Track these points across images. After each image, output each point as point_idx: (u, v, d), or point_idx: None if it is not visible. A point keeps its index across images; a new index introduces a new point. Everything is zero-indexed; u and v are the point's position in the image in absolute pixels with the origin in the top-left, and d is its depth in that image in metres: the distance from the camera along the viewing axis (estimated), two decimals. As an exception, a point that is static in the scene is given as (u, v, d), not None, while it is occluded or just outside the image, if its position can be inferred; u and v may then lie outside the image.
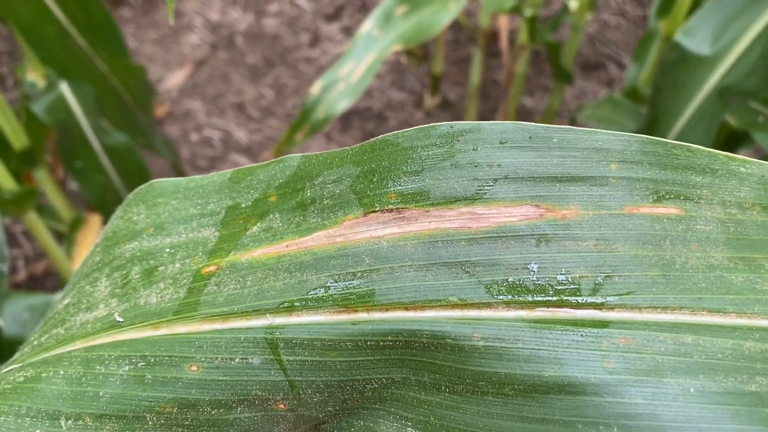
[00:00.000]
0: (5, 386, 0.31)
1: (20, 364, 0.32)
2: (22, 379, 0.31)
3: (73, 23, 0.99)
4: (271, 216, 0.31)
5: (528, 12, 1.15)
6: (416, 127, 0.30)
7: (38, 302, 0.83)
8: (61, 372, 0.30)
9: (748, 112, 0.85)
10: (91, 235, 1.22)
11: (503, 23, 1.66)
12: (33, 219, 1.01)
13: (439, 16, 0.93)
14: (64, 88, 1.04)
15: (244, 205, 0.32)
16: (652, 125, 0.86)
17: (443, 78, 1.96)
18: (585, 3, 1.25)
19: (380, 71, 2.03)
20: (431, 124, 0.30)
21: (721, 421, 0.24)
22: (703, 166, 0.28)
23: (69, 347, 0.31)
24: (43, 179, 1.14)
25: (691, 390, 0.24)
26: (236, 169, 0.33)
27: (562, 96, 1.42)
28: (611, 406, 0.25)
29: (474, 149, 0.29)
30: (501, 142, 0.28)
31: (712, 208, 0.27)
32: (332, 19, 2.13)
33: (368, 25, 0.95)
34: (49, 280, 1.59)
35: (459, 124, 0.29)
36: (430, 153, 0.29)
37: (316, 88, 0.94)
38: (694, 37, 0.80)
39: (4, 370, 0.32)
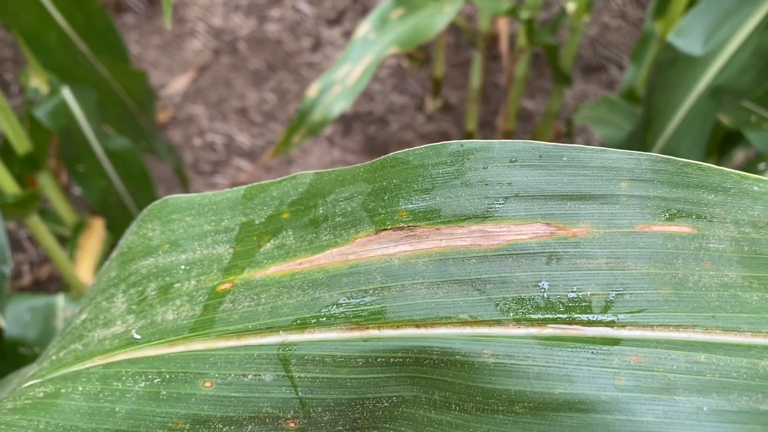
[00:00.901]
0: (25, 401, 0.31)
1: (40, 380, 0.33)
2: (41, 394, 0.31)
3: (74, 29, 1.01)
4: (285, 233, 0.32)
5: (524, 15, 1.16)
6: (427, 145, 0.30)
7: (40, 304, 0.84)
8: (80, 388, 0.31)
9: (741, 111, 0.86)
10: (94, 238, 1.23)
11: (503, 26, 1.67)
12: (35, 222, 1.02)
13: (434, 19, 0.94)
14: (66, 93, 1.05)
15: (257, 222, 0.32)
16: (647, 125, 0.86)
17: (444, 81, 1.97)
18: (582, 5, 1.26)
19: (382, 75, 2.04)
20: (442, 143, 0.30)
21: None
22: (715, 184, 0.28)
23: (87, 363, 0.32)
24: (47, 184, 1.15)
25: (704, 408, 0.24)
26: (249, 185, 0.34)
27: (561, 98, 1.43)
28: (622, 424, 0.25)
29: (484, 168, 0.29)
30: (511, 161, 0.29)
31: (725, 227, 0.27)
32: (334, 24, 2.14)
33: (365, 28, 0.96)
34: (53, 285, 1.60)
35: (469, 143, 0.29)
36: (440, 171, 0.29)
37: (313, 91, 0.95)
38: (687, 37, 0.80)
39: (25, 386, 0.33)
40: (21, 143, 1.05)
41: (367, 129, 1.92)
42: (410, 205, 0.29)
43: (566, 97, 1.96)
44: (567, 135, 1.47)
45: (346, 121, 1.92)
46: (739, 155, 1.12)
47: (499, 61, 1.97)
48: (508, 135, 1.63)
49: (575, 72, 2.03)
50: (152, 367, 0.30)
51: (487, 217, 0.28)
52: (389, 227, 0.29)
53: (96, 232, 1.25)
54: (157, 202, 0.36)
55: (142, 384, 0.30)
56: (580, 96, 1.97)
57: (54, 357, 0.34)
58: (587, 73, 2.03)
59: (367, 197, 0.30)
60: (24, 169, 1.10)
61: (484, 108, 1.92)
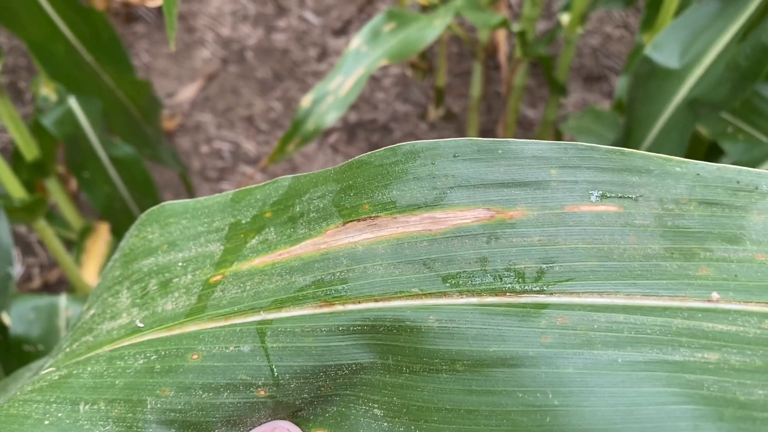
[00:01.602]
0: (42, 383, 0.35)
1: (56, 368, 0.36)
2: (57, 377, 0.35)
3: (81, 41, 1.05)
4: (267, 230, 0.35)
5: (516, 27, 1.19)
6: (385, 147, 0.33)
7: (43, 303, 0.88)
8: (89, 369, 0.34)
9: (718, 122, 0.88)
10: (100, 242, 1.27)
11: (501, 37, 1.70)
12: (43, 226, 1.07)
13: (424, 33, 0.97)
14: (73, 102, 1.09)
15: (244, 222, 0.36)
16: (627, 135, 0.89)
17: (447, 90, 2.00)
18: (576, 17, 1.29)
19: (386, 84, 2.07)
20: (397, 144, 0.33)
21: (643, 384, 0.27)
22: (639, 167, 0.30)
23: (98, 351, 0.35)
24: (54, 189, 1.20)
25: (619, 360, 0.27)
26: (237, 190, 0.38)
27: (557, 107, 1.46)
28: (547, 376, 0.28)
29: (432, 163, 0.32)
30: (454, 156, 0.32)
31: (649, 205, 0.30)
32: (339, 34, 2.18)
33: (357, 42, 0.99)
34: (62, 288, 1.65)
35: (420, 143, 0.33)
36: (396, 169, 0.33)
37: (306, 101, 0.99)
38: (663, 50, 0.83)
39: (43, 372, 0.37)
40: (29, 150, 1.10)
41: (371, 137, 1.95)
42: (372, 199, 0.33)
43: (568, 106, 1.99)
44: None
45: (350, 129, 1.96)
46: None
47: (500, 70, 2.00)
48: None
49: (577, 81, 2.05)
50: (151, 347, 0.34)
51: (435, 206, 0.32)
52: (354, 219, 0.33)
53: (102, 236, 1.29)
54: (155, 207, 0.40)
55: (141, 361, 0.33)
56: (582, 104, 2.00)
57: (68, 349, 0.38)
58: (588, 82, 2.05)
59: (336, 195, 0.34)
60: (32, 174, 1.15)
61: (485, 116, 1.95)
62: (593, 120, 1.09)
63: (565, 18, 1.32)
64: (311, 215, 0.34)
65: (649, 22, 1.11)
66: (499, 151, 0.32)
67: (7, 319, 0.84)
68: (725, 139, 0.86)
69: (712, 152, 1.03)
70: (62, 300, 0.89)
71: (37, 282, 1.65)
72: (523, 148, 0.31)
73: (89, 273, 1.23)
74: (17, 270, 1.63)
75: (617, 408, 0.27)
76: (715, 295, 0.28)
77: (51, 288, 1.66)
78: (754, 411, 0.26)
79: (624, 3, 1.29)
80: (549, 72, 1.31)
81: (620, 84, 1.23)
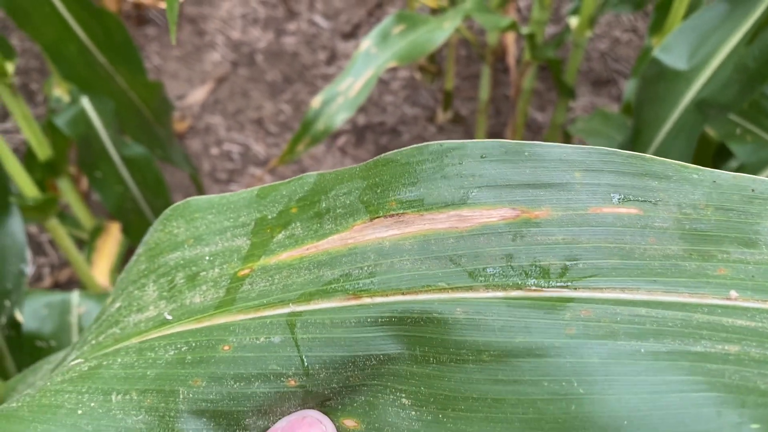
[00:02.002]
0: (72, 374, 0.36)
1: (84, 359, 0.37)
2: (86, 368, 0.36)
3: (94, 42, 1.06)
4: (293, 225, 0.36)
5: (525, 30, 1.20)
6: (412, 146, 0.34)
7: (56, 300, 0.89)
8: (119, 360, 0.35)
9: (727, 124, 0.89)
10: (111, 242, 1.28)
11: (510, 40, 1.70)
12: (54, 225, 1.08)
13: (434, 35, 0.98)
14: (85, 102, 1.11)
15: (270, 217, 0.37)
16: (636, 137, 0.89)
17: (455, 93, 2.01)
18: (584, 21, 1.29)
19: (394, 87, 2.08)
20: (425, 143, 0.34)
21: (665, 373, 0.27)
22: (659, 172, 0.31)
23: (126, 343, 0.36)
24: (66, 189, 1.21)
25: (642, 350, 0.28)
26: (261, 186, 0.38)
27: (565, 111, 1.46)
28: (572, 365, 0.28)
29: (460, 163, 0.33)
30: (482, 157, 0.33)
31: (668, 209, 0.31)
32: (349, 37, 2.19)
33: (366, 43, 1.00)
34: (72, 287, 1.66)
35: (447, 143, 0.34)
36: (423, 167, 0.34)
37: (316, 102, 1.00)
38: (672, 52, 0.83)
39: (72, 363, 0.37)
40: (42, 150, 1.11)
41: (379, 139, 1.96)
42: (399, 196, 0.34)
43: (576, 110, 1.99)
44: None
45: (359, 132, 1.97)
46: (734, 166, 1.15)
47: (508, 73, 2.00)
48: (515, 146, 1.66)
49: (586, 84, 2.05)
50: (181, 339, 0.34)
51: (462, 204, 0.32)
52: (381, 215, 0.34)
53: (113, 236, 1.30)
54: (179, 203, 0.40)
55: (172, 352, 0.34)
56: (590, 108, 2.00)
57: (93, 341, 0.38)
58: (597, 86, 2.05)
59: (362, 191, 0.35)
60: (45, 174, 1.16)
61: (493, 119, 1.95)
62: (601, 122, 1.09)
63: (573, 21, 1.33)
64: (338, 211, 0.35)
65: (657, 26, 1.11)
66: (526, 153, 0.33)
67: (20, 316, 0.85)
68: (733, 140, 0.87)
69: (720, 154, 1.04)
70: (74, 296, 0.90)
71: (47, 282, 1.67)
72: (549, 151, 0.32)
73: (100, 272, 1.24)
74: (28, 269, 1.65)
75: (641, 396, 0.27)
76: (733, 293, 0.29)
77: (61, 288, 1.67)
78: None
79: (633, 6, 1.30)
80: (558, 75, 1.31)
81: (628, 87, 1.24)
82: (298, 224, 0.36)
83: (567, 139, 1.47)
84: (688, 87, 0.84)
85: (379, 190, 0.34)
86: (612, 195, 0.31)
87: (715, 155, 1.03)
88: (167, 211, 0.41)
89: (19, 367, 0.86)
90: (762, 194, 0.30)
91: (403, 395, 0.31)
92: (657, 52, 0.85)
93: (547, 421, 0.28)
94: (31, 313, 0.87)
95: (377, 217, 0.34)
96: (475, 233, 0.32)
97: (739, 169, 0.89)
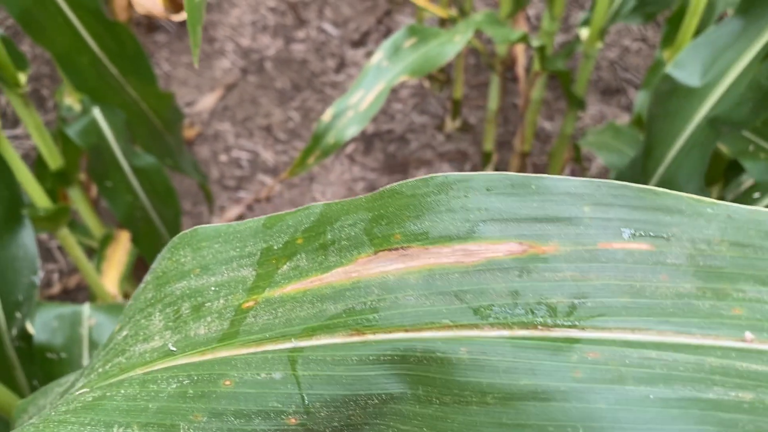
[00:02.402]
0: (77, 405, 0.36)
1: (89, 389, 0.37)
2: (90, 399, 0.35)
3: (105, 53, 1.07)
4: (299, 256, 0.35)
5: (535, 43, 1.20)
6: (417, 178, 0.34)
7: (67, 312, 0.90)
8: (122, 392, 0.35)
9: (740, 141, 0.88)
10: (120, 251, 1.29)
11: (519, 50, 1.70)
12: (65, 234, 1.08)
13: (445, 48, 0.98)
14: (97, 113, 1.11)
15: (276, 247, 0.36)
16: (648, 152, 0.89)
17: (464, 102, 2.01)
18: (595, 32, 1.29)
19: (403, 95, 2.08)
20: (430, 176, 0.34)
21: (676, 422, 0.27)
22: (671, 207, 0.30)
23: (131, 373, 0.36)
24: (77, 197, 1.21)
25: (651, 396, 0.27)
26: (268, 216, 0.38)
27: (574, 121, 1.46)
28: (578, 411, 0.28)
29: (465, 196, 0.33)
30: (488, 189, 0.32)
31: (681, 245, 0.30)
32: (358, 45, 2.20)
33: (378, 57, 1.00)
34: (81, 294, 1.67)
35: (453, 175, 0.33)
36: (429, 200, 0.33)
37: (327, 116, 1.00)
38: (684, 69, 0.83)
39: (77, 393, 0.37)
40: (54, 159, 1.12)
41: (387, 147, 1.96)
42: (403, 229, 0.33)
43: (585, 119, 1.99)
44: (576, 160, 1.50)
45: (367, 140, 1.97)
46: (748, 182, 1.14)
47: (517, 82, 2.00)
48: (524, 155, 1.66)
49: (595, 94, 2.05)
50: (183, 372, 0.34)
51: (468, 238, 0.32)
52: (385, 248, 0.33)
53: (122, 245, 1.31)
54: (187, 231, 0.40)
55: (174, 385, 0.34)
56: (599, 117, 2.00)
57: (101, 370, 0.38)
58: (606, 95, 2.05)
59: (367, 224, 0.34)
60: (56, 183, 1.16)
61: (502, 129, 1.95)
62: (612, 136, 1.09)
63: (584, 33, 1.32)
64: (342, 243, 0.34)
65: (669, 39, 1.11)
66: (533, 186, 0.32)
67: (31, 327, 0.86)
68: (746, 157, 0.86)
69: (732, 170, 1.03)
70: (85, 309, 0.90)
71: (56, 288, 1.67)
72: (557, 185, 0.32)
73: (109, 281, 1.24)
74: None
75: None
76: (748, 335, 0.28)
77: (70, 294, 1.67)
78: None
79: (644, 18, 1.30)
80: (568, 86, 1.31)
81: (639, 98, 1.23)
82: (303, 255, 0.35)
83: (576, 150, 1.47)
84: (700, 104, 0.84)
85: (384, 223, 0.34)
86: (622, 230, 0.30)
87: (727, 171, 1.02)
88: (175, 239, 0.41)
89: (29, 379, 0.86)
90: None
91: None
92: (670, 69, 0.85)
93: None
94: (42, 325, 0.87)
95: (382, 250, 0.33)
96: (481, 268, 0.31)
97: (752, 188, 0.89)
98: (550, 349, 0.29)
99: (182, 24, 2.25)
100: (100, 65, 1.06)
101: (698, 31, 1.04)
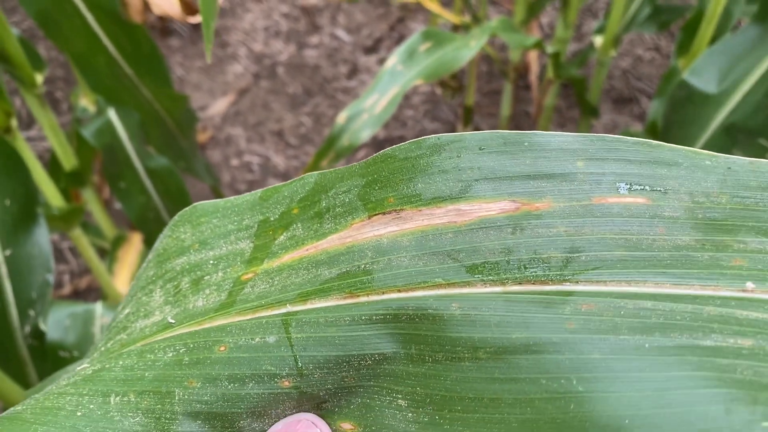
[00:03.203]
0: (77, 378, 0.36)
1: (90, 364, 0.37)
2: (90, 371, 0.36)
3: (121, 54, 1.07)
4: (295, 225, 0.36)
5: (550, 49, 1.20)
6: (410, 141, 0.34)
7: (79, 310, 0.90)
8: (120, 363, 0.35)
9: (756, 148, 0.88)
10: (132, 252, 1.29)
11: (533, 58, 1.70)
12: (78, 235, 1.09)
13: (460, 53, 0.98)
14: (112, 114, 1.12)
15: (272, 219, 0.37)
16: (662, 159, 0.88)
17: (476, 109, 2.01)
18: (609, 40, 1.29)
19: (415, 101, 2.09)
20: (422, 138, 0.33)
21: (672, 369, 0.26)
22: (668, 159, 0.30)
23: (131, 347, 0.36)
24: (90, 198, 1.22)
25: (646, 345, 0.27)
26: (264, 188, 0.38)
27: (587, 129, 1.46)
28: (571, 362, 0.27)
29: (458, 156, 0.32)
30: (480, 149, 0.32)
31: (679, 197, 0.29)
32: (370, 52, 2.20)
33: (392, 61, 1.00)
34: (91, 295, 1.67)
35: (445, 136, 0.33)
36: (421, 162, 0.33)
37: (341, 118, 1.00)
38: (701, 76, 0.83)
39: (79, 368, 0.37)
40: (68, 160, 1.12)
41: (399, 154, 1.96)
42: (396, 192, 0.33)
43: (597, 127, 1.98)
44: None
45: (378, 145, 1.97)
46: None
47: (530, 90, 2.00)
48: (536, 164, 1.66)
49: (607, 102, 2.05)
50: (180, 341, 0.34)
51: (460, 198, 0.32)
52: (379, 212, 0.33)
53: (134, 246, 1.31)
54: (187, 208, 0.40)
55: (170, 354, 0.34)
56: (612, 126, 1.99)
57: (103, 348, 0.39)
58: (619, 104, 2.05)
59: (361, 189, 0.34)
60: (70, 184, 1.17)
61: (514, 136, 1.95)
62: (627, 143, 1.09)
63: (598, 40, 1.32)
64: (337, 210, 0.34)
65: (684, 47, 1.11)
66: (525, 144, 0.31)
67: (44, 325, 0.86)
68: (762, 165, 0.86)
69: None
70: (98, 307, 0.90)
71: (67, 289, 1.68)
72: (549, 141, 0.31)
73: (121, 282, 1.25)
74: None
75: (644, 393, 0.26)
76: (750, 284, 0.27)
77: (81, 295, 1.68)
78: None
79: (658, 27, 1.29)
80: (581, 94, 1.31)
81: (652, 107, 1.23)
82: (299, 225, 0.35)
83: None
84: (717, 111, 0.83)
85: (377, 187, 0.34)
86: (618, 184, 0.30)
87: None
88: (176, 216, 0.41)
89: (41, 377, 0.86)
90: None
91: (400, 396, 0.31)
92: (686, 75, 0.85)
93: (545, 421, 0.27)
94: (55, 323, 0.87)
95: (376, 215, 0.33)
96: (474, 227, 0.31)
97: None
98: (542, 302, 0.29)
99: (195, 28, 2.26)
100: (115, 66, 1.07)
101: (713, 39, 1.04)
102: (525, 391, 0.28)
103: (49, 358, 0.86)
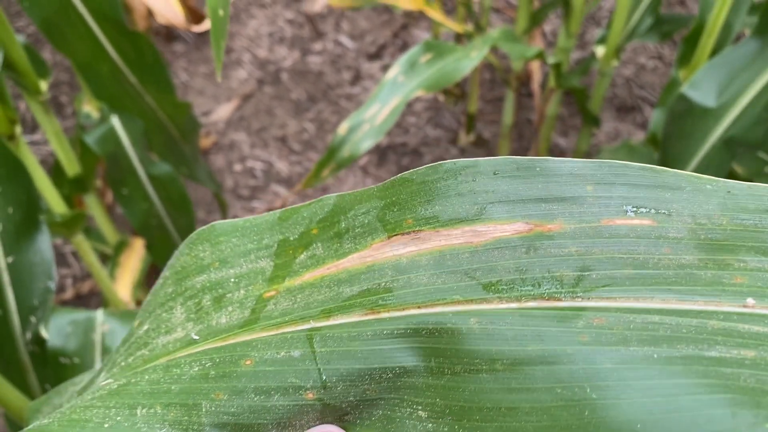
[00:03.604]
0: (102, 392, 0.37)
1: (114, 379, 0.38)
2: (116, 386, 0.37)
3: (125, 62, 1.08)
4: (315, 245, 0.37)
5: (551, 60, 1.20)
6: (427, 165, 0.35)
7: (81, 318, 0.90)
8: (146, 377, 0.36)
9: (755, 162, 0.88)
10: (134, 257, 1.30)
11: (535, 66, 1.71)
12: (80, 240, 1.09)
13: (461, 64, 0.98)
14: (115, 121, 1.12)
15: (292, 238, 0.38)
16: (662, 172, 0.89)
17: (479, 116, 2.01)
18: (611, 50, 1.29)
19: (417, 108, 2.09)
20: (438, 162, 0.35)
21: (679, 377, 0.28)
22: (672, 184, 0.32)
23: (154, 363, 0.37)
24: (93, 203, 1.23)
25: (654, 356, 0.28)
26: (284, 209, 0.39)
27: (589, 138, 1.46)
28: (584, 372, 0.29)
29: (473, 180, 0.34)
30: (494, 173, 0.34)
31: (682, 219, 0.31)
32: (374, 58, 2.21)
33: (394, 71, 1.01)
34: (93, 299, 1.68)
35: (461, 161, 0.35)
36: (438, 185, 0.35)
37: (342, 129, 1.01)
38: (700, 89, 0.83)
39: (102, 383, 0.39)
40: (71, 166, 1.13)
41: (401, 160, 1.97)
42: (415, 214, 0.35)
43: (600, 135, 1.99)
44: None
45: (381, 152, 1.98)
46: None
47: (533, 97, 2.00)
48: (537, 172, 1.66)
49: (610, 110, 2.05)
50: (206, 356, 0.36)
51: (476, 220, 0.33)
52: (398, 233, 0.34)
53: (136, 252, 1.32)
54: (204, 227, 0.42)
55: (196, 368, 0.35)
56: (614, 134, 1.99)
57: (123, 363, 0.39)
58: (621, 112, 2.05)
59: (380, 211, 0.36)
60: (73, 190, 1.18)
61: (516, 144, 1.95)
62: (627, 154, 1.09)
63: (600, 50, 1.33)
64: (356, 230, 0.36)
65: (685, 58, 1.11)
66: (537, 169, 0.33)
67: (45, 332, 0.87)
68: (762, 178, 0.86)
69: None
70: (99, 315, 0.91)
71: (69, 293, 1.69)
72: (560, 166, 0.33)
73: (123, 287, 1.25)
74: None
75: (654, 399, 0.27)
76: (750, 300, 0.29)
77: (83, 299, 1.69)
78: None
79: (660, 37, 1.30)
80: (583, 104, 1.31)
81: (654, 117, 1.23)
82: (319, 245, 0.37)
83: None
84: (716, 124, 0.84)
85: (396, 209, 0.35)
86: (625, 207, 0.32)
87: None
88: (193, 235, 0.42)
89: (41, 383, 0.87)
90: None
91: (420, 408, 0.32)
92: (685, 89, 0.85)
93: (561, 427, 0.29)
94: (56, 330, 0.88)
95: (394, 235, 0.34)
96: (490, 247, 0.32)
97: None
98: (556, 317, 0.30)
99: (201, 34, 2.27)
100: (119, 74, 1.08)
101: (714, 51, 1.04)
102: (541, 400, 0.29)
103: (50, 365, 0.86)
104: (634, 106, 2.05)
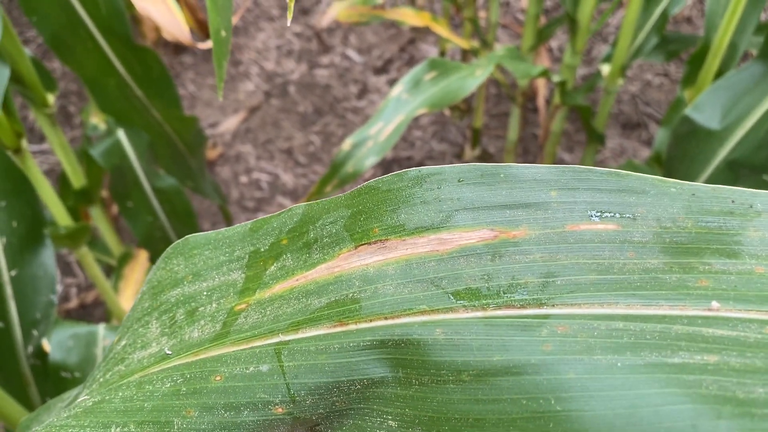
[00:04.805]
0: (77, 410, 0.37)
1: (90, 395, 0.38)
2: (90, 403, 0.37)
3: (132, 77, 1.09)
4: (284, 256, 0.37)
5: (556, 78, 1.20)
6: (392, 173, 0.35)
7: (82, 331, 0.91)
8: (120, 394, 0.36)
9: (759, 184, 0.88)
10: (138, 269, 1.30)
11: (541, 82, 1.71)
12: (84, 253, 1.10)
13: (466, 82, 0.99)
14: (121, 134, 1.13)
15: (262, 250, 0.38)
16: (665, 193, 0.89)
17: (484, 131, 2.02)
18: (616, 69, 1.29)
19: (423, 122, 2.10)
20: (403, 170, 0.35)
21: (642, 386, 0.27)
22: (636, 188, 0.32)
23: (129, 378, 0.37)
24: (97, 215, 1.23)
25: (618, 364, 0.28)
26: (254, 220, 0.39)
27: (594, 155, 1.46)
28: (549, 382, 0.29)
29: (438, 187, 0.34)
30: (459, 180, 0.34)
31: (647, 223, 0.31)
32: (380, 72, 2.22)
33: (398, 89, 1.01)
34: (98, 309, 1.68)
35: (425, 169, 0.35)
36: (404, 193, 0.35)
37: (346, 145, 1.01)
38: (704, 111, 0.83)
39: (79, 400, 0.39)
40: (77, 178, 1.14)
41: (407, 174, 1.97)
42: (381, 223, 0.35)
43: (605, 151, 1.99)
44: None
45: (386, 165, 1.98)
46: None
47: (537, 113, 2.01)
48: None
49: (615, 127, 2.05)
50: (177, 371, 0.36)
51: (442, 228, 0.33)
52: (365, 242, 0.34)
53: (140, 264, 1.32)
54: (179, 240, 0.42)
55: (168, 385, 0.35)
56: (620, 151, 1.99)
57: (101, 379, 0.40)
58: (627, 129, 2.05)
59: (347, 220, 0.36)
60: (78, 202, 1.18)
61: (521, 158, 1.96)
62: (631, 174, 1.09)
63: (605, 69, 1.33)
64: (324, 240, 0.36)
65: (690, 79, 1.11)
66: (501, 175, 0.33)
67: (47, 345, 0.87)
68: (765, 201, 0.86)
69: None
70: (100, 329, 0.91)
71: (74, 302, 1.69)
72: (524, 172, 0.33)
73: (126, 299, 1.26)
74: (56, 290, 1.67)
75: (616, 411, 0.27)
76: (715, 304, 0.29)
77: (87, 309, 1.69)
78: (753, 408, 0.26)
79: (665, 56, 1.30)
80: (587, 121, 1.31)
81: (659, 136, 1.23)
82: (289, 255, 0.37)
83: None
84: (720, 146, 0.84)
85: (362, 218, 0.35)
86: (589, 212, 0.32)
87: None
88: (169, 249, 0.42)
89: (42, 396, 0.87)
90: (742, 205, 0.30)
91: (390, 417, 0.32)
92: (689, 110, 0.85)
93: None
94: (58, 344, 0.88)
95: (362, 245, 0.34)
96: (455, 255, 0.32)
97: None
98: (521, 326, 0.30)
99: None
100: (126, 88, 1.08)
101: (720, 71, 1.04)
102: (507, 411, 0.29)
103: (51, 379, 0.87)
104: (639, 123, 2.05)
